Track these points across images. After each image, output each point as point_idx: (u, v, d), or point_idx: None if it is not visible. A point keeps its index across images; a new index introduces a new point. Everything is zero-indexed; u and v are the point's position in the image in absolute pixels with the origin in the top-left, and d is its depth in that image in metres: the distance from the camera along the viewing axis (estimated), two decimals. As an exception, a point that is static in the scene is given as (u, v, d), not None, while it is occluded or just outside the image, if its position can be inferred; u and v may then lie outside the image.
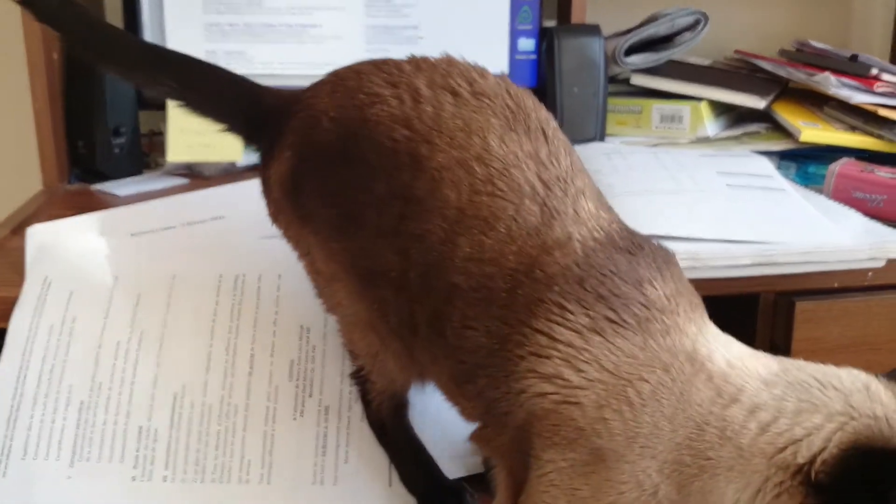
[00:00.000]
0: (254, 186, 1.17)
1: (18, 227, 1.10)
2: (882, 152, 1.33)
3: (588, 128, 1.38)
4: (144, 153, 1.42)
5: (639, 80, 1.47)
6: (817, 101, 1.45)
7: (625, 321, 0.65)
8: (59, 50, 1.29)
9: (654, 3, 1.54)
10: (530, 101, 0.77)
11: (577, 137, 1.36)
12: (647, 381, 0.63)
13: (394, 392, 0.88)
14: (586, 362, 0.64)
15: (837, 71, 1.41)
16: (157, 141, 1.45)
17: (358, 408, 0.92)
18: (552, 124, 0.77)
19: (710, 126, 1.43)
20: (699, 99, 1.43)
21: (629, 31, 1.47)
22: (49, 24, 0.95)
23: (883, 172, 1.18)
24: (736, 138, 1.43)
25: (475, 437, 0.75)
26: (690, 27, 1.48)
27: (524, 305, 0.67)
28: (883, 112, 1.34)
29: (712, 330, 0.68)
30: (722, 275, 0.98)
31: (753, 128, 1.46)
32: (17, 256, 1.02)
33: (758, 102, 1.42)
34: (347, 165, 0.77)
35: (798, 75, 1.46)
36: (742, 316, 1.06)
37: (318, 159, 0.80)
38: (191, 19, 1.38)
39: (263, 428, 0.91)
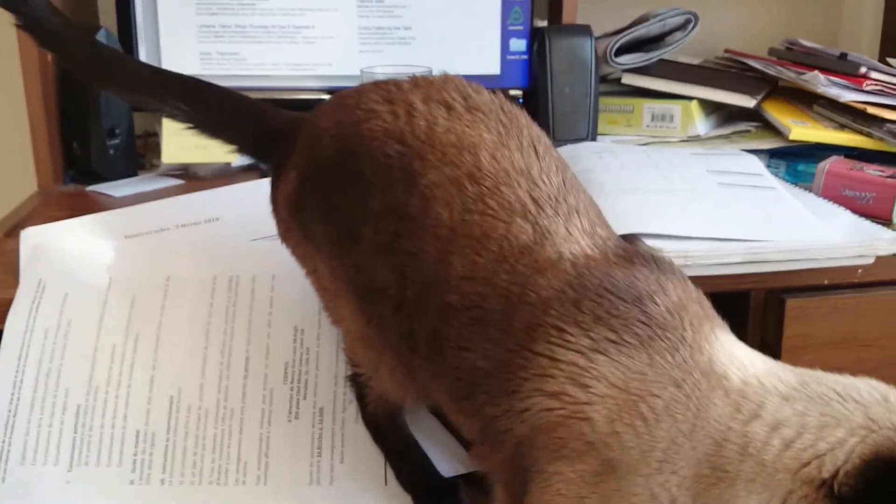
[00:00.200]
0: (248, 188, 1.19)
1: (13, 229, 1.10)
2: (871, 150, 1.34)
3: (579, 127, 1.38)
4: (139, 154, 1.42)
5: (630, 80, 1.48)
6: (807, 100, 1.46)
7: (626, 341, 0.64)
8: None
9: (644, 4, 1.55)
10: (524, 118, 0.77)
11: (569, 137, 1.37)
12: (658, 396, 0.62)
13: (390, 400, 0.88)
14: (593, 379, 0.63)
15: (827, 69, 1.41)
16: (151, 142, 1.46)
17: (352, 409, 0.93)
18: (544, 141, 0.76)
19: (701, 125, 1.43)
20: (690, 98, 1.43)
21: (620, 31, 1.48)
22: (52, 50, 0.96)
23: (872, 170, 1.19)
24: (726, 137, 1.44)
25: (474, 454, 0.75)
26: (681, 27, 1.49)
27: (522, 329, 0.66)
28: (872, 110, 1.34)
29: (727, 341, 0.67)
30: (713, 272, 0.98)
31: (743, 126, 1.46)
32: (13, 258, 1.02)
33: (748, 101, 1.43)
34: (345, 182, 0.77)
35: (788, 74, 1.46)
36: (733, 313, 1.05)
37: (319, 177, 0.80)
38: (184, 21, 1.38)
39: (259, 430, 0.91)
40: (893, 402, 0.61)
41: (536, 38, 1.41)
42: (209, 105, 0.94)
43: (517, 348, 0.66)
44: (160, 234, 1.07)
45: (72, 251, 1.03)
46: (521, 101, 1.46)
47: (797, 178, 1.33)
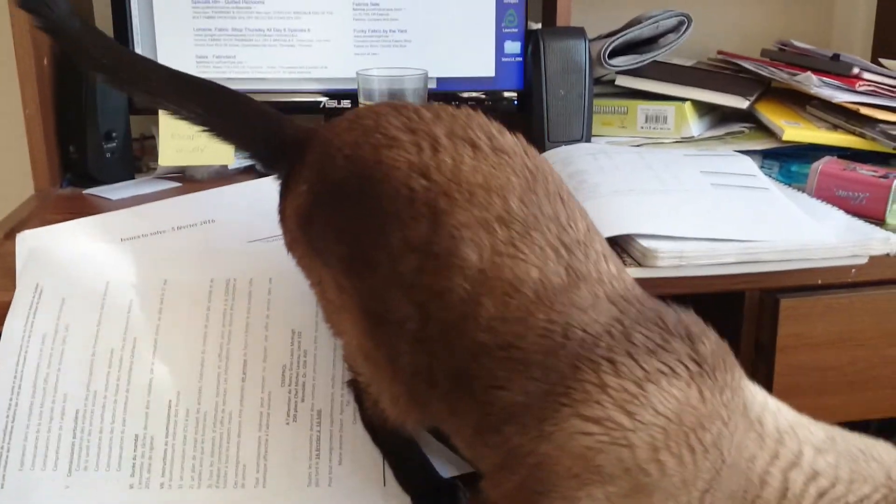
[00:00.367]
0: (243, 189, 1.19)
1: (11, 232, 1.10)
2: (864, 150, 1.34)
3: (574, 128, 1.39)
4: (136, 157, 1.42)
5: (624, 82, 1.48)
6: (800, 101, 1.47)
7: (678, 374, 0.66)
8: (50, 56, 1.29)
9: (637, 6, 1.55)
10: (546, 164, 0.78)
11: (564, 138, 1.37)
12: (708, 430, 0.65)
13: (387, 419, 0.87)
14: (641, 406, 0.65)
15: (819, 70, 1.42)
16: (148, 145, 1.46)
17: (350, 411, 0.93)
18: (565, 188, 0.78)
19: (695, 126, 1.44)
20: (683, 99, 1.44)
21: (614, 33, 1.48)
22: (71, 51, 0.96)
23: (865, 170, 1.19)
24: (720, 138, 1.44)
25: (488, 483, 0.74)
26: (674, 29, 1.49)
27: (567, 364, 0.67)
28: (864, 111, 1.35)
29: (755, 389, 0.70)
30: (707, 273, 0.99)
31: (737, 127, 1.47)
32: (10, 261, 1.02)
33: (741, 102, 1.43)
34: (362, 205, 0.77)
35: (780, 75, 1.47)
36: (728, 313, 1.07)
37: (331, 195, 0.80)
38: (180, 24, 1.38)
39: (258, 434, 0.91)
40: None
41: (531, 41, 1.41)
42: (225, 110, 0.94)
43: (560, 380, 0.67)
44: (156, 237, 1.07)
45: (68, 254, 1.03)
46: (515, 102, 1.47)
47: (790, 179, 1.33)
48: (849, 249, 1.02)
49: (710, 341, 0.69)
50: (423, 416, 0.80)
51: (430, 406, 0.76)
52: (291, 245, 0.89)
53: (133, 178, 1.37)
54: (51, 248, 1.03)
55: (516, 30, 1.45)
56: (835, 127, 1.39)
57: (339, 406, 0.94)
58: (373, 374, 0.83)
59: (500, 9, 1.43)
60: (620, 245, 1.00)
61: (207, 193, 1.18)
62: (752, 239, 1.00)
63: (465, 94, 1.46)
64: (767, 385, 1.04)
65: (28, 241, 1.03)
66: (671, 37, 1.50)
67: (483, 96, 1.46)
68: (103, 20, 1.42)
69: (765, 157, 1.40)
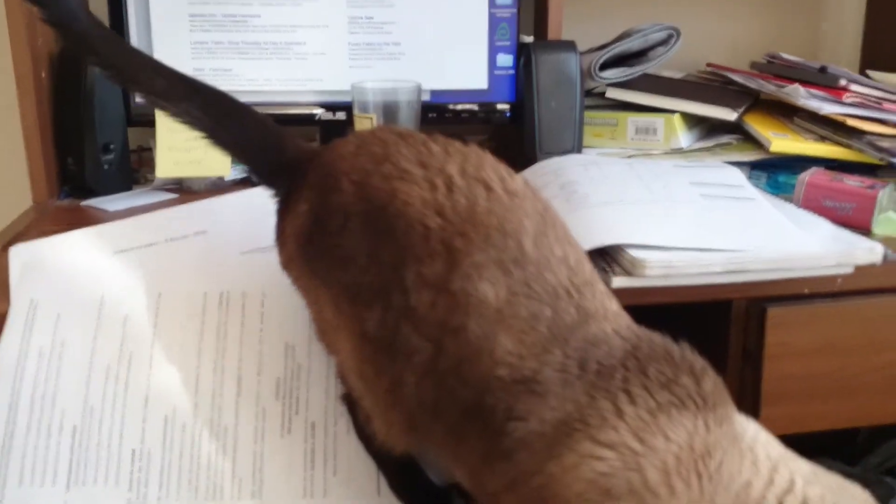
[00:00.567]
0: (234, 199, 1.17)
1: (9, 244, 1.10)
2: (850, 161, 1.35)
3: (565, 140, 1.40)
4: (134, 169, 1.43)
5: (614, 94, 1.49)
6: (787, 113, 1.47)
7: (686, 406, 0.69)
8: (48, 68, 1.30)
9: (627, 20, 1.56)
10: (552, 208, 0.81)
11: (555, 149, 1.38)
12: (713, 458, 0.67)
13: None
14: (652, 434, 0.67)
15: (807, 82, 1.43)
16: (146, 156, 1.46)
17: (343, 422, 0.94)
18: (569, 230, 0.81)
19: (684, 137, 1.45)
20: (673, 111, 1.45)
21: (604, 46, 1.49)
22: (80, 48, 0.95)
23: (851, 181, 1.20)
24: (709, 149, 1.45)
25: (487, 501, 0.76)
26: (663, 42, 1.51)
27: (584, 392, 0.70)
28: (851, 122, 1.36)
29: (744, 420, 0.73)
30: (695, 282, 1.00)
31: (725, 139, 1.48)
32: (7, 273, 1.02)
33: (729, 114, 1.44)
34: (372, 235, 0.78)
35: (768, 87, 1.48)
36: (716, 321, 1.09)
37: (335, 218, 0.80)
38: (178, 37, 1.39)
39: (253, 447, 0.92)
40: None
41: (523, 54, 1.42)
42: (230, 120, 0.93)
43: (576, 408, 0.69)
44: (149, 249, 1.07)
45: (62, 268, 1.02)
46: (508, 114, 1.48)
47: (778, 190, 1.34)
48: (834, 259, 1.02)
49: (711, 378, 0.72)
50: (416, 443, 0.81)
51: (430, 435, 0.77)
52: (287, 264, 0.89)
53: (131, 189, 1.37)
54: (44, 261, 1.03)
55: (509, 43, 1.46)
56: (822, 138, 1.39)
57: (332, 418, 0.94)
58: (366, 393, 0.83)
59: (493, 22, 1.45)
60: (610, 255, 1.01)
61: (199, 203, 1.17)
62: (740, 248, 1.00)
63: (459, 106, 1.47)
64: (755, 393, 1.06)
65: (21, 255, 1.03)
66: (660, 50, 1.51)
67: (476, 108, 1.48)
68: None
69: (753, 167, 1.40)
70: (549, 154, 1.37)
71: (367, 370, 0.80)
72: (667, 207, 1.09)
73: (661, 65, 1.53)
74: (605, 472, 0.67)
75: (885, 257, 1.03)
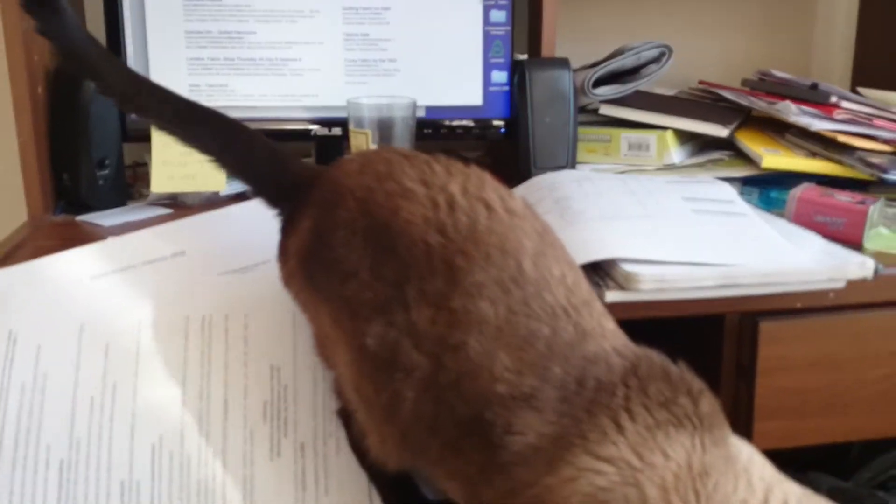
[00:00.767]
0: (210, 218, 1.15)
1: (5, 258, 1.10)
2: (841, 177, 1.35)
3: (559, 156, 1.40)
4: (129, 184, 1.43)
5: (607, 111, 1.50)
6: (779, 129, 1.48)
7: (684, 425, 0.70)
8: (44, 84, 1.30)
9: (620, 37, 1.57)
10: (551, 229, 0.82)
11: (549, 165, 1.39)
12: (710, 477, 0.68)
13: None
14: (651, 452, 0.68)
15: (798, 99, 1.43)
16: (141, 172, 1.46)
17: (333, 442, 0.94)
18: (567, 251, 0.82)
19: (676, 154, 1.45)
20: (665, 128, 1.45)
21: (597, 63, 1.50)
22: (89, 76, 0.96)
23: (842, 196, 1.20)
24: (701, 165, 1.46)
25: None
26: (656, 59, 1.51)
27: (583, 409, 0.71)
28: (842, 138, 1.36)
29: (738, 442, 0.74)
30: (688, 296, 1.00)
31: (717, 155, 1.48)
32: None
33: (721, 131, 1.45)
34: (374, 252, 0.78)
35: (760, 104, 1.48)
36: (709, 336, 1.09)
37: (339, 235, 0.81)
38: (173, 53, 1.40)
39: (242, 471, 0.91)
40: None
41: (517, 71, 1.43)
42: (234, 143, 0.95)
43: (574, 423, 0.70)
44: (126, 273, 1.04)
45: (38, 297, 1.00)
46: (503, 130, 1.49)
47: (770, 205, 1.35)
48: (826, 273, 1.03)
49: (708, 399, 0.73)
50: (410, 458, 0.81)
51: (425, 451, 0.77)
52: (289, 280, 0.90)
53: (126, 204, 1.37)
54: (18, 291, 1.00)
55: (503, 60, 1.47)
56: (813, 154, 1.39)
57: (322, 438, 0.94)
58: (362, 407, 0.83)
59: (487, 40, 1.46)
60: (604, 269, 1.02)
61: (175, 224, 1.14)
62: (732, 263, 1.01)
63: (454, 123, 1.48)
64: (749, 406, 1.07)
65: None
66: (653, 67, 1.51)
67: (471, 124, 1.49)
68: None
69: (745, 183, 1.41)
70: (544, 169, 1.37)
71: (364, 384, 0.80)
72: (659, 222, 1.10)
73: (654, 82, 1.54)
74: (603, 486, 0.67)
75: (877, 272, 1.04)
